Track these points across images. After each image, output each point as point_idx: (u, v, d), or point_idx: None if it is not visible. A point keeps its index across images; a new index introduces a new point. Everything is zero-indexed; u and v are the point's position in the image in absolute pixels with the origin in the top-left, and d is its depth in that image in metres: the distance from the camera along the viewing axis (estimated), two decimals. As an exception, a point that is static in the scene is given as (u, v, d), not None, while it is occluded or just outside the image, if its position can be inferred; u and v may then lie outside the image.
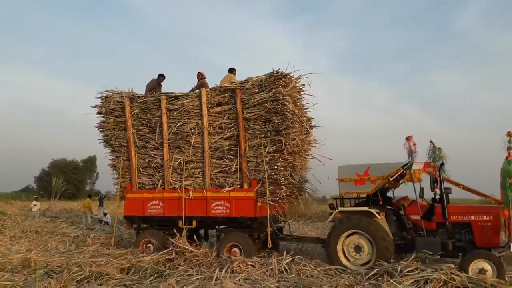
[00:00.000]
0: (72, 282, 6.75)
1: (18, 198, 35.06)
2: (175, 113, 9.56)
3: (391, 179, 7.66)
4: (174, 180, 9.55)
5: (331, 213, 8.26)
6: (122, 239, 11.83)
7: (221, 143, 9.06)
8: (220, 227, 9.59)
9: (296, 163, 8.97)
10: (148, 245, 9.55)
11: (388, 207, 8.33)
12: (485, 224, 7.05)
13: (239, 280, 6.56)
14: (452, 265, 6.34)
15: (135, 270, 7.43)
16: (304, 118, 9.42)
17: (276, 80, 8.41)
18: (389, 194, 8.84)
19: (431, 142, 8.33)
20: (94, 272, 7.14)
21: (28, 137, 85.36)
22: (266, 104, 8.46)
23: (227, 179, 9.00)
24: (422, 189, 7.37)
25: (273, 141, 8.48)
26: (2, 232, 13.07)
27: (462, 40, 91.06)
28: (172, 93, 9.72)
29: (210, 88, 9.39)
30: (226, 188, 8.92)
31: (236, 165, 8.83)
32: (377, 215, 7.51)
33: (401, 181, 8.43)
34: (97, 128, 10.56)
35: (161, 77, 10.74)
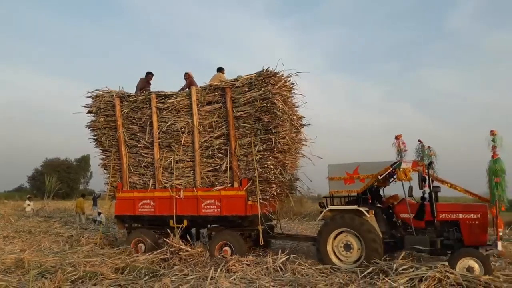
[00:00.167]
0: (66, 282, 6.71)
1: (11, 198, 34.72)
2: (165, 112, 9.52)
3: (380, 178, 7.69)
4: (164, 179, 9.52)
5: (321, 212, 8.29)
6: (117, 238, 11.79)
7: (212, 141, 9.05)
8: (211, 226, 9.59)
9: (287, 162, 8.99)
10: (140, 244, 9.53)
11: (378, 205, 8.38)
12: (473, 222, 7.10)
13: (234, 279, 6.54)
14: (447, 263, 6.39)
15: (130, 270, 7.41)
16: (295, 117, 9.44)
17: (266, 78, 8.41)
18: (380, 192, 8.89)
19: (419, 141, 8.40)
20: (88, 272, 7.11)
21: (21, 137, 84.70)
22: (256, 103, 8.46)
23: (218, 178, 9.00)
24: (410, 188, 7.40)
25: (263, 140, 8.48)
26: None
27: (456, 39, 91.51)
28: (162, 92, 9.69)
29: (200, 87, 9.37)
30: (216, 187, 8.92)
31: (227, 163, 8.83)
32: (366, 213, 7.54)
33: (391, 180, 8.49)
34: (87, 128, 10.51)
35: (150, 74, 10.71)
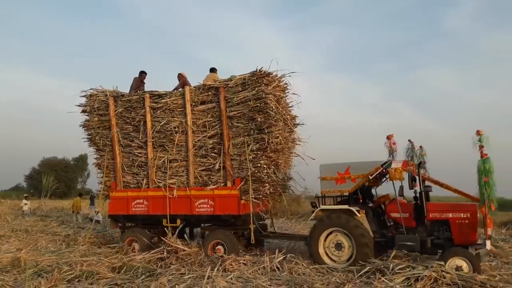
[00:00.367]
0: (63, 281, 6.71)
1: (8, 197, 34.67)
2: (159, 111, 9.55)
3: (371, 178, 7.74)
4: (158, 179, 9.55)
5: (313, 211, 8.33)
6: (113, 237, 11.79)
7: (205, 141, 9.08)
8: (205, 225, 9.63)
9: (280, 161, 9.02)
10: (133, 243, 9.56)
11: (370, 205, 8.43)
12: (463, 221, 7.13)
13: (231, 279, 6.56)
14: (443, 262, 6.42)
15: (127, 269, 7.41)
16: (288, 116, 9.48)
17: (259, 78, 8.44)
18: (372, 192, 8.93)
19: (409, 141, 8.45)
20: (85, 271, 7.11)
21: (19, 136, 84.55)
22: (249, 103, 8.49)
23: (211, 177, 9.03)
24: (401, 187, 7.45)
25: (256, 139, 8.52)
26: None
27: (456, 39, 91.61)
28: (156, 91, 9.71)
29: (194, 87, 9.39)
30: (210, 186, 8.95)
31: (220, 163, 8.86)
32: (357, 213, 7.58)
33: (383, 179, 8.53)
34: (81, 127, 10.53)
35: (143, 74, 10.73)
